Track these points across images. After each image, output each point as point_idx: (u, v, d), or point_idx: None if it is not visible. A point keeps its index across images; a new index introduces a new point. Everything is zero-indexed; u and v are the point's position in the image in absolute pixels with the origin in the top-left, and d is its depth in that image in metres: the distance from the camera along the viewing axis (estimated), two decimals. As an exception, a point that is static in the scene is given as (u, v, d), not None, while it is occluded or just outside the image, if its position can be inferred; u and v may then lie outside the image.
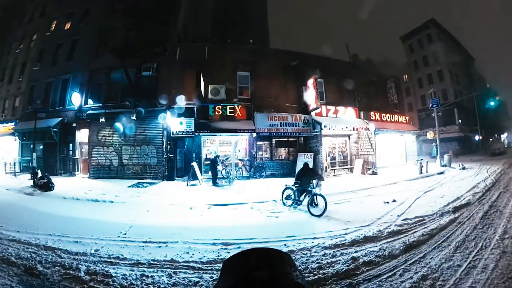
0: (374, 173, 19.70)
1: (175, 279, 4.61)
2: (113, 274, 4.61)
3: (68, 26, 22.97)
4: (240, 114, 18.76)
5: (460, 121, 45.53)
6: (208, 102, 18.43)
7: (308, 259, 5.36)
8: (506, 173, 18.15)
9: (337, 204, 10.46)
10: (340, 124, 20.14)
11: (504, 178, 15.96)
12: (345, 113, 22.07)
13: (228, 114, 18.59)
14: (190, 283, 4.51)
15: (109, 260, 5.27)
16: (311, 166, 17.71)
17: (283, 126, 19.20)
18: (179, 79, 18.14)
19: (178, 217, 8.94)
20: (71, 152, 20.04)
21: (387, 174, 19.20)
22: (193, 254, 5.71)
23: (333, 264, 5.15)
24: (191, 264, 5.23)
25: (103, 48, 19.55)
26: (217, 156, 16.37)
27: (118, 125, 17.53)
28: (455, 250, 5.71)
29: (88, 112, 18.87)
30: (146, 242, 6.37)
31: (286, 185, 10.88)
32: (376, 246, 6.03)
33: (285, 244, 6.27)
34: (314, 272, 4.84)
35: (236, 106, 18.83)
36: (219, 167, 15.91)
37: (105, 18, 20.76)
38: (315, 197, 9.69)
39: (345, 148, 22.11)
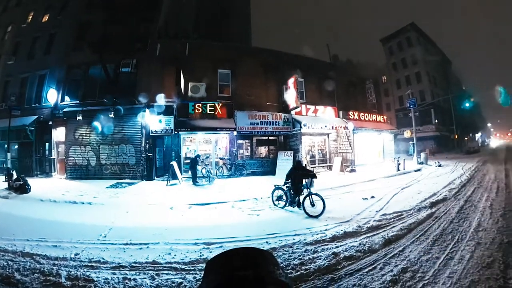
0: (352, 170, 20.27)
1: (158, 281, 4.58)
2: (95, 279, 4.52)
3: (46, 18, 21.93)
4: (220, 112, 18.63)
5: (436, 121, 47.00)
6: (188, 99, 18.26)
7: (290, 256, 5.45)
8: (480, 170, 18.92)
9: (317, 201, 10.65)
10: (319, 123, 20.63)
11: (478, 174, 16.64)
12: (324, 112, 22.48)
13: (208, 112, 18.42)
14: (173, 285, 4.48)
15: (90, 264, 5.16)
16: (290, 164, 17.90)
17: (263, 124, 19.39)
18: (158, 76, 17.88)
19: (158, 218, 8.84)
20: (47, 152, 19.21)
21: (365, 171, 19.75)
22: (175, 255, 5.65)
23: (315, 259, 5.26)
24: (173, 265, 5.19)
25: (81, 43, 18.90)
26: (198, 156, 16.24)
27: (96, 123, 17.00)
28: (433, 243, 5.98)
29: (65, 110, 18.14)
30: (126, 244, 6.28)
31: (275, 185, 10.39)
32: (356, 241, 6.21)
33: (267, 242, 6.35)
34: (297, 269, 4.92)
35: (216, 104, 18.67)
36: (199, 167, 15.88)
37: (85, 11, 20.01)
38: (311, 196, 9.08)
39: (324, 146, 22.69)
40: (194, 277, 4.69)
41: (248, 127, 18.89)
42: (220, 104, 18.74)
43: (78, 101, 18.30)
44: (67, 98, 18.79)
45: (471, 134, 63.26)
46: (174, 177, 15.33)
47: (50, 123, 18.89)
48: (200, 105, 18.33)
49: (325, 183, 14.90)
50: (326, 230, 7.11)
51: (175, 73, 17.26)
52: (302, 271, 4.82)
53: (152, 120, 17.18)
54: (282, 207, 9.85)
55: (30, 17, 22.77)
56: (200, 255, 5.61)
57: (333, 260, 5.19)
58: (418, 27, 53.68)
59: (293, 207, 9.65)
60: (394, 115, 50.82)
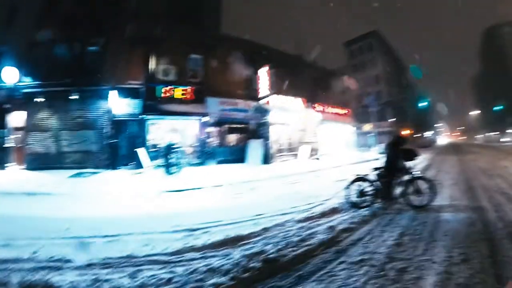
0: (317, 159, 21.11)
1: (140, 279, 3.55)
2: (58, 283, 3.42)
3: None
4: (191, 97, 17.43)
5: (392, 118, 48.90)
6: (157, 83, 16.82)
7: (287, 234, 5.06)
8: (436, 160, 20.35)
9: (293, 184, 10.99)
10: (288, 113, 21.04)
11: (435, 162, 18.23)
12: (293, 103, 22.41)
13: (178, 96, 17.10)
14: (161, 282, 3.47)
15: (49, 264, 3.96)
16: (261, 152, 18.15)
17: (235, 111, 18.81)
18: (127, 57, 16.21)
19: (127, 207, 7.76)
20: (3, 140, 16.12)
21: (330, 159, 20.35)
22: (154, 246, 4.70)
23: (315, 235, 4.96)
24: (155, 258, 4.23)
25: (46, 18, 16.16)
26: (171, 144, 14.53)
27: (57, 106, 15.18)
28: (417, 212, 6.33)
29: (24, 91, 15.59)
30: (94, 237, 5.11)
31: (357, 175, 7.13)
32: (346, 215, 6.21)
33: (256, 223, 5.84)
34: (301, 244, 4.55)
35: (187, 88, 17.38)
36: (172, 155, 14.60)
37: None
38: (416, 181, 6.69)
39: (291, 136, 22.64)
40: (186, 269, 3.76)
41: (220, 113, 18.09)
42: (191, 89, 17.49)
43: (39, 82, 15.71)
44: (27, 79, 15.94)
45: (423, 132, 66.65)
46: (140, 165, 13.96)
47: (8, 106, 16.05)
48: (170, 88, 16.90)
49: (294, 169, 15.55)
50: (311, 208, 6.93)
51: (144, 55, 16.10)
52: (306, 247, 4.47)
53: (118, 103, 15.48)
54: (369, 205, 6.80)
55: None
56: (185, 244, 4.76)
57: (332, 233, 5.06)
58: (379, 34, 55.09)
59: (386, 203, 6.87)
60: (353, 111, 52.35)
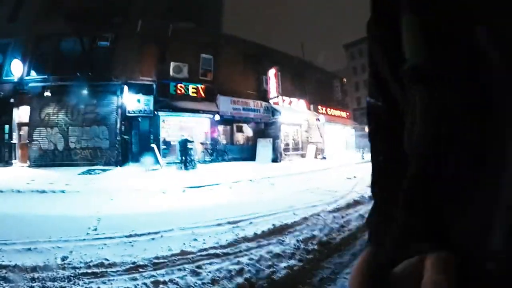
0: (323, 158, 21.03)
1: (207, 274, 3.10)
2: None
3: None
4: (203, 95, 17.11)
5: None
6: (169, 79, 16.34)
7: (325, 221, 5.24)
8: None
9: (309, 181, 10.63)
10: (294, 114, 20.93)
11: None
12: (297, 104, 22.34)
13: (190, 94, 16.76)
14: (233, 273, 3.17)
15: (90, 270, 3.16)
16: (270, 150, 17.86)
17: (245, 111, 18.46)
18: (138, 53, 15.67)
19: (153, 203, 7.01)
20: (7, 136, 15.14)
21: (335, 159, 20.16)
22: (204, 240, 4.26)
23: (350, 222, 5.28)
24: (211, 252, 3.81)
25: (55, 10, 15.10)
26: (187, 141, 13.68)
27: (65, 101, 14.22)
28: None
29: (30, 85, 14.61)
30: (131, 235, 4.39)
31: None
32: (369, 206, 5.82)
33: (294, 213, 5.77)
34: (343, 230, 4.87)
35: (199, 86, 17.07)
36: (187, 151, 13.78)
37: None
38: None
39: (297, 136, 22.60)
40: (250, 259, 3.56)
41: (231, 112, 17.67)
42: (203, 87, 17.19)
43: (46, 76, 14.83)
44: (33, 73, 15.11)
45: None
46: (155, 161, 13.08)
47: (12, 100, 15.02)
48: (183, 86, 16.53)
49: (304, 167, 15.22)
50: (335, 201, 7.04)
51: (156, 51, 15.66)
52: (347, 232, 4.82)
53: (130, 99, 14.68)
54: None
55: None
56: (236, 235, 4.45)
57: (363, 220, 5.19)
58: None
59: None
60: (352, 113, 51.85)
